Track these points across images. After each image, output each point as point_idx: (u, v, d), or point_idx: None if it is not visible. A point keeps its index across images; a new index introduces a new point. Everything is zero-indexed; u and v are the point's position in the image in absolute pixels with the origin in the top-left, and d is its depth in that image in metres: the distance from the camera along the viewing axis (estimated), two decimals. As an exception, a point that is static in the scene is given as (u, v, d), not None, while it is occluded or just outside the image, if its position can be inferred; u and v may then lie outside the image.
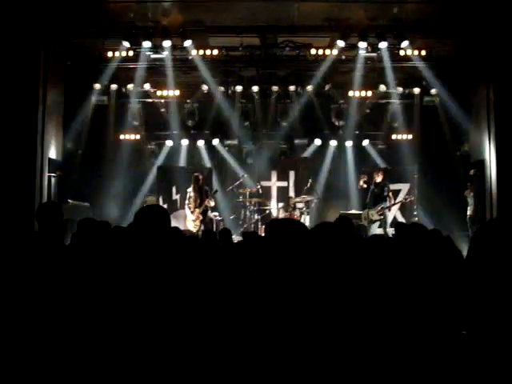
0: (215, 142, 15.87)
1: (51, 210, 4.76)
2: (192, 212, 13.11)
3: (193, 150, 15.99)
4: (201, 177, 13.35)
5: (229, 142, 16.07)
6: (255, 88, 15.04)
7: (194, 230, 12.82)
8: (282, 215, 14.24)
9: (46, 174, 12.30)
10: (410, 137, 15.36)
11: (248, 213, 14.47)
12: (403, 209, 14.92)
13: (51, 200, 12.28)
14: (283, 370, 2.47)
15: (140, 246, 3.21)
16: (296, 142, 16.08)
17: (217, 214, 14.37)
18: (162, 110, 15.46)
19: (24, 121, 11.00)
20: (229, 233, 7.66)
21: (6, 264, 3.70)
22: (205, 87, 14.92)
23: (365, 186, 13.43)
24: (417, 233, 4.54)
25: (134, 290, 3.05)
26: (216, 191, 13.95)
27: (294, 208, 14.38)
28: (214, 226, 13.60)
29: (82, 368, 2.86)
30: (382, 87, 14.70)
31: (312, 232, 3.35)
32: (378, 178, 13.26)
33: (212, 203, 13.21)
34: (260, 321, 2.49)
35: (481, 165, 12.83)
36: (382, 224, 13.03)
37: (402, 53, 13.59)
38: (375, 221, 13.06)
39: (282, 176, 16.28)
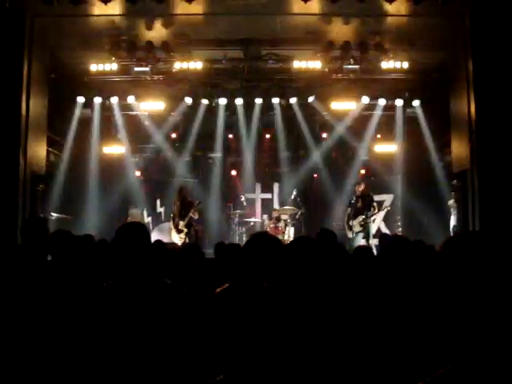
0: (199, 154, 15.90)
1: (36, 225, 4.74)
2: (176, 224, 13.11)
3: (177, 162, 16.00)
4: (184, 189, 13.36)
5: (213, 154, 16.10)
6: (239, 100, 15.10)
7: (179, 243, 12.79)
8: (266, 227, 14.24)
9: (29, 188, 12.22)
10: (393, 148, 15.48)
11: (233, 225, 14.49)
12: (387, 220, 15.00)
13: (37, 215, 12.22)
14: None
15: (121, 262, 3.22)
16: (280, 153, 16.15)
17: (200, 227, 14.39)
18: (146, 122, 15.44)
19: (6, 134, 10.93)
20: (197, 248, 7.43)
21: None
22: (189, 100, 14.94)
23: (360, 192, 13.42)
24: (400, 245, 4.56)
25: (117, 304, 3.05)
26: (200, 203, 13.93)
27: (279, 220, 14.40)
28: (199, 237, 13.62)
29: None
30: (365, 99, 14.81)
31: (290, 247, 3.36)
32: (360, 190, 13.34)
33: (196, 215, 13.21)
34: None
35: (463, 175, 12.92)
36: (366, 235, 13.05)
37: (384, 65, 13.71)
38: (358, 232, 13.07)
39: (267, 188, 16.35)
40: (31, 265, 3.97)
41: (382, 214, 14.44)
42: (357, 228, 13.04)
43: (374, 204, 13.38)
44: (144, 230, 3.39)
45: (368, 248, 6.69)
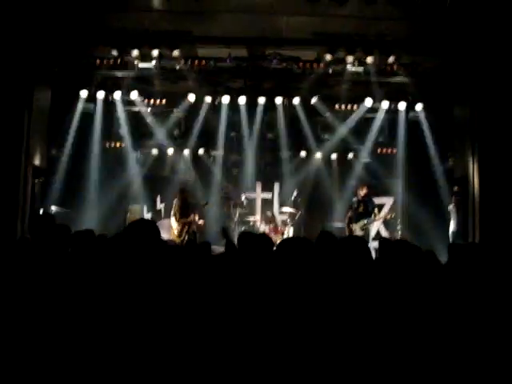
0: (201, 151, 15.87)
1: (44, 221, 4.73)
2: (177, 221, 13.14)
3: (178, 159, 15.97)
4: (186, 190, 13.43)
5: (214, 152, 16.05)
6: (242, 99, 15.05)
7: (178, 240, 12.82)
8: (266, 227, 14.23)
9: (30, 181, 12.23)
10: (395, 151, 15.46)
11: (232, 224, 14.47)
12: (386, 223, 14.98)
13: (36, 208, 12.26)
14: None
15: (131, 258, 3.21)
16: (281, 153, 16.11)
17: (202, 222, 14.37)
18: (149, 118, 15.41)
19: (9, 127, 10.94)
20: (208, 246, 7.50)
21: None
22: (191, 97, 14.90)
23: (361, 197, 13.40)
24: (401, 250, 4.55)
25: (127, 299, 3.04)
26: (206, 203, 14.03)
27: (273, 220, 14.48)
28: (198, 236, 13.61)
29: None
30: (368, 101, 14.77)
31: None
32: (362, 194, 13.32)
33: (201, 221, 13.26)
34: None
35: (464, 180, 12.92)
36: (365, 238, 13.04)
37: (388, 68, 13.70)
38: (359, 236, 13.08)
39: (267, 187, 16.31)
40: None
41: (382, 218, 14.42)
42: (358, 232, 13.04)
43: (376, 210, 13.39)
44: (155, 228, 3.38)
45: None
